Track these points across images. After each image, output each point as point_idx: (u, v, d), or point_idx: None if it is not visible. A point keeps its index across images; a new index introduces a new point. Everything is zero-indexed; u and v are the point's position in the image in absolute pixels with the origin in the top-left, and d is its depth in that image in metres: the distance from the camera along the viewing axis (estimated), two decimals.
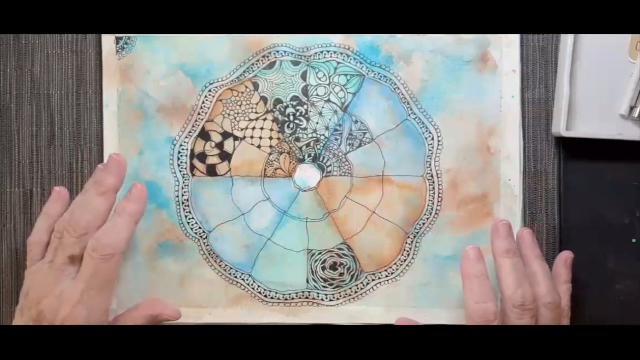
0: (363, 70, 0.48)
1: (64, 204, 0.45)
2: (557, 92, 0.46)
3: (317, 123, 0.48)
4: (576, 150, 0.47)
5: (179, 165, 0.48)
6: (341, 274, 0.48)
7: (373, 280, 0.48)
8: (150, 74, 0.48)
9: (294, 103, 0.48)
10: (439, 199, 0.47)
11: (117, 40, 0.49)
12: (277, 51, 0.48)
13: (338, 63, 0.48)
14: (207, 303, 0.48)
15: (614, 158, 0.46)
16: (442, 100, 0.47)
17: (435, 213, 0.47)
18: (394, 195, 0.48)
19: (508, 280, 0.41)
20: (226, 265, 0.48)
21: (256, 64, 0.48)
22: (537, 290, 0.42)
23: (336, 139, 0.48)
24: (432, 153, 0.47)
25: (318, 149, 0.48)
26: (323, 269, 0.48)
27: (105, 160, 0.48)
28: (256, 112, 0.48)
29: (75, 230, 0.42)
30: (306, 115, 0.48)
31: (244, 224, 0.48)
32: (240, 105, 0.48)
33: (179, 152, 0.48)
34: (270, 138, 0.48)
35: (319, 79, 0.48)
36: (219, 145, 0.48)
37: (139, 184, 0.44)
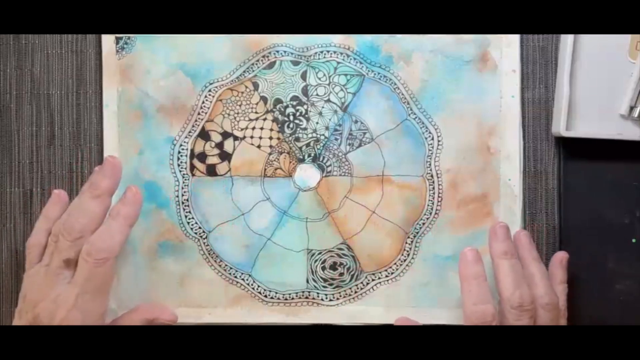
0: (363, 70, 0.48)
1: (62, 206, 0.45)
2: (557, 92, 0.46)
3: (317, 123, 0.48)
4: (576, 150, 0.47)
5: (179, 165, 0.48)
6: (341, 274, 0.48)
7: (373, 280, 0.48)
8: (150, 74, 0.48)
9: (294, 103, 0.48)
10: (439, 199, 0.47)
11: (117, 40, 0.49)
12: (277, 51, 0.48)
13: (338, 63, 0.48)
14: (207, 303, 0.48)
15: (614, 158, 0.46)
16: (442, 100, 0.47)
17: (435, 213, 0.47)
18: (394, 195, 0.48)
19: (506, 282, 0.42)
20: (226, 265, 0.48)
21: (256, 64, 0.48)
22: (535, 291, 0.42)
23: (336, 139, 0.48)
24: (432, 153, 0.47)
25: (318, 149, 0.48)
26: (323, 269, 0.48)
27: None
28: (256, 112, 0.48)
29: (70, 234, 0.42)
30: (306, 115, 0.48)
31: (244, 224, 0.48)
32: (240, 105, 0.48)
33: (179, 152, 0.48)
34: (270, 138, 0.48)
35: (319, 79, 0.48)
36: (219, 145, 0.48)
37: (134, 187, 0.44)
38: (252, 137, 0.48)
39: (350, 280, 0.48)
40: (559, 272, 0.45)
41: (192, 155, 0.48)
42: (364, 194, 0.48)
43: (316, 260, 0.48)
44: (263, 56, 0.48)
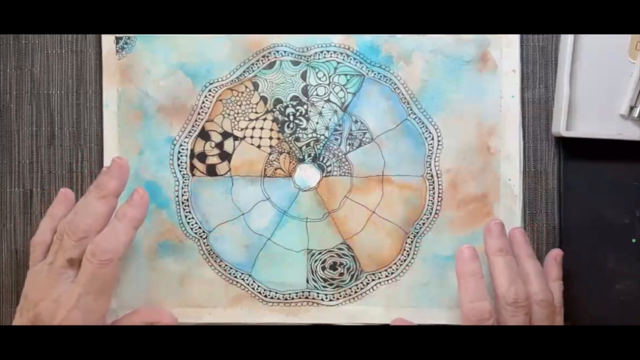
0: (363, 70, 0.48)
1: (68, 205, 0.45)
2: (557, 92, 0.46)
3: (317, 123, 0.48)
4: (576, 150, 0.47)
5: (179, 165, 0.48)
6: (341, 274, 0.48)
7: (373, 280, 0.48)
8: (150, 74, 0.48)
9: (294, 103, 0.48)
10: (439, 199, 0.47)
11: (117, 40, 0.49)
12: (277, 51, 0.48)
13: (338, 63, 0.48)
14: (207, 303, 0.48)
15: (614, 158, 0.46)
16: (442, 100, 0.47)
17: (435, 213, 0.47)
18: (394, 195, 0.48)
19: (501, 278, 0.42)
20: (226, 265, 0.48)
21: (256, 64, 0.48)
22: (530, 288, 0.42)
23: (336, 139, 0.48)
24: (432, 153, 0.47)
25: (318, 149, 0.48)
26: (323, 269, 0.48)
27: (105, 161, 0.48)
28: (256, 112, 0.48)
29: (75, 233, 0.42)
30: (306, 115, 0.48)
31: (244, 224, 0.48)
32: (240, 105, 0.48)
33: (179, 152, 0.48)
34: (270, 138, 0.48)
35: (319, 79, 0.48)
36: (219, 145, 0.48)
37: (141, 189, 0.44)
38: (252, 137, 0.48)
39: (350, 280, 0.48)
40: (554, 269, 0.45)
41: (192, 155, 0.48)
42: (364, 194, 0.48)
43: (316, 260, 0.48)
44: (263, 56, 0.48)
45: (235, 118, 0.48)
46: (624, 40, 0.45)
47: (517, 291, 0.41)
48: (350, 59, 0.48)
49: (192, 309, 0.48)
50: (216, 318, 0.48)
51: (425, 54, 0.47)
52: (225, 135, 0.48)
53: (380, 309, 0.48)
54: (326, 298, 0.48)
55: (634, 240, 0.46)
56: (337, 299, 0.48)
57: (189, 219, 0.48)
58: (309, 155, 0.48)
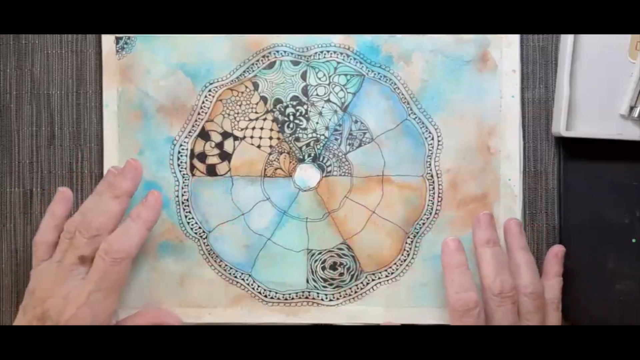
0: (363, 70, 0.48)
1: (68, 204, 0.46)
2: (557, 92, 0.46)
3: (317, 123, 0.48)
4: (576, 150, 0.47)
5: (179, 165, 0.48)
6: (341, 274, 0.48)
7: (373, 280, 0.48)
8: (150, 74, 0.48)
9: (294, 103, 0.48)
10: (439, 199, 0.47)
11: (117, 40, 0.49)
12: (277, 51, 0.48)
13: (338, 63, 0.48)
14: (207, 303, 0.48)
15: (614, 158, 0.46)
16: (442, 100, 0.47)
17: (435, 213, 0.47)
18: (394, 195, 0.48)
19: (487, 270, 0.42)
20: (226, 265, 0.48)
21: (256, 64, 0.48)
22: (520, 280, 0.43)
23: (336, 139, 0.48)
24: (432, 153, 0.47)
25: (318, 149, 0.48)
26: (323, 269, 0.48)
27: (105, 161, 0.48)
28: (256, 112, 0.48)
29: (87, 231, 0.43)
30: (306, 115, 0.48)
31: (244, 224, 0.48)
32: (240, 105, 0.48)
33: (179, 152, 0.48)
34: (270, 138, 0.48)
35: (319, 79, 0.48)
36: (219, 145, 0.48)
37: (156, 192, 0.45)
38: (252, 137, 0.48)
39: (350, 280, 0.48)
40: (554, 265, 0.45)
41: (192, 155, 0.48)
42: (364, 194, 0.48)
43: (316, 260, 0.48)
44: (263, 56, 0.48)
45: (235, 118, 0.48)
46: (624, 40, 0.45)
47: (502, 282, 0.42)
48: (350, 59, 0.48)
49: (192, 309, 0.48)
50: (216, 318, 0.48)
51: (425, 54, 0.47)
52: (225, 135, 0.48)
53: (380, 309, 0.48)
54: (326, 298, 0.48)
55: (634, 240, 0.46)
56: (337, 299, 0.48)
57: (189, 219, 0.48)
58: (309, 155, 0.48)
